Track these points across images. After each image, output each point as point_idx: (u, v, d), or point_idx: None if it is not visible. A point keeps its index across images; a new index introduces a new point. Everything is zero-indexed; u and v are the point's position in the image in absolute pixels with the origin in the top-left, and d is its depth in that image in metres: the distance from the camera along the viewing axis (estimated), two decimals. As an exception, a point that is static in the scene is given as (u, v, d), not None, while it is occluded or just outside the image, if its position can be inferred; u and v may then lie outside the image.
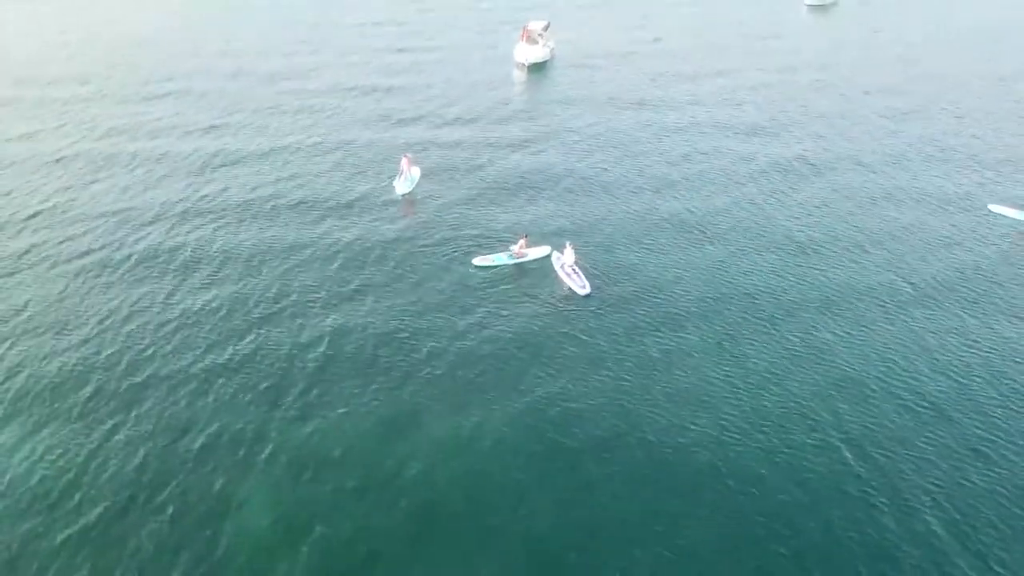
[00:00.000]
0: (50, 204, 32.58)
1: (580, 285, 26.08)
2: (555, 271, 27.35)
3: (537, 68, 53.95)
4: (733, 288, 26.35)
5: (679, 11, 73.54)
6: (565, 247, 27.51)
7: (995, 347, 23.20)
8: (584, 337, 23.64)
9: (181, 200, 33.14)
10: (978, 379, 21.86)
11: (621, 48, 59.19)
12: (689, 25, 67.65)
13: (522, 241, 28.37)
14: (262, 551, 16.22)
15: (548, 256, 28.24)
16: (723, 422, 20.10)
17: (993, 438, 19.52)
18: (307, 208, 32.45)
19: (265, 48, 58.09)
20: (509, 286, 26.70)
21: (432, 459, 18.72)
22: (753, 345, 23.35)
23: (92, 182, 34.85)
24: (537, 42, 54.77)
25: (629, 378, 21.83)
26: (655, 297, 25.81)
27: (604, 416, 20.27)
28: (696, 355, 22.77)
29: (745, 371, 22.16)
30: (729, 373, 22.07)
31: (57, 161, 37.09)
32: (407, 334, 23.74)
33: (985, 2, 77.71)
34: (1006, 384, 21.61)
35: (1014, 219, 31.39)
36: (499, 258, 28.33)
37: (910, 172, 36.32)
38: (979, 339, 23.60)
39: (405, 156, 35.88)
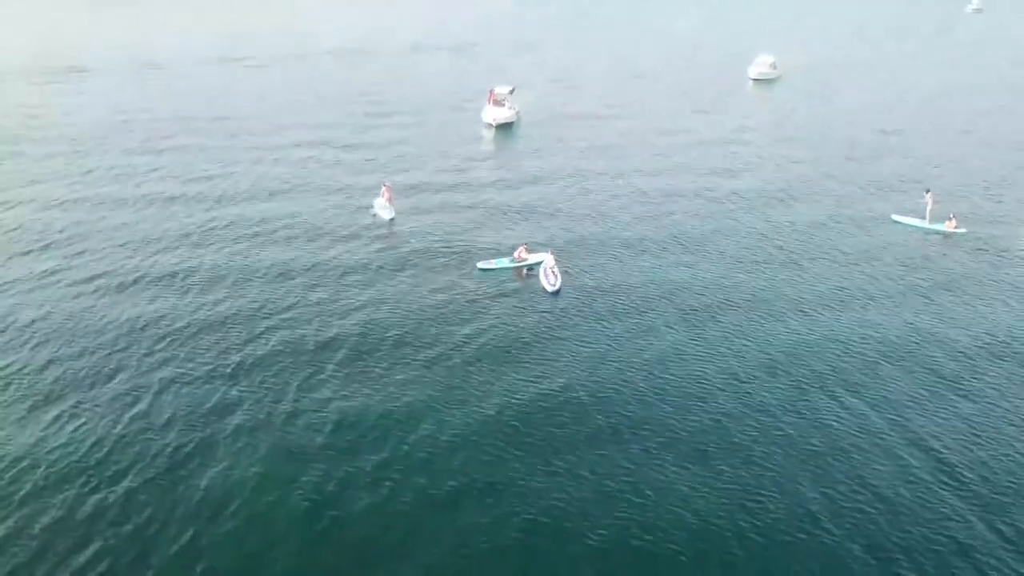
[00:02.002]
0: (65, 235, 35.40)
1: (551, 284, 29.81)
2: (537, 271, 31.15)
3: (504, 128, 59.23)
4: (672, 296, 30.05)
5: (632, 83, 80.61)
6: (547, 253, 31.55)
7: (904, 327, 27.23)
8: (544, 323, 27.37)
9: (199, 230, 36.22)
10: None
11: (579, 113, 65.11)
12: (641, 96, 74.28)
13: (521, 248, 32.28)
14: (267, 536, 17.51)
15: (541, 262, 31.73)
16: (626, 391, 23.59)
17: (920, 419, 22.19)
18: (307, 239, 35.23)
19: (253, 118, 62.76)
20: (499, 284, 30.41)
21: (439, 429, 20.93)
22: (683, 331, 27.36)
23: (102, 218, 37.99)
24: (504, 104, 60.47)
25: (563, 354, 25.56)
26: (608, 296, 29.67)
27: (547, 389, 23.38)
28: (631, 338, 26.45)
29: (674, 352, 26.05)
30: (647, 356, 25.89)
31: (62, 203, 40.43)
32: (412, 329, 26.71)
33: (908, 76, 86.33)
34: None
35: (911, 225, 36.66)
36: (501, 261, 32.17)
37: (834, 201, 41.66)
38: (889, 321, 27.63)
39: (385, 185, 39.86)
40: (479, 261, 32.11)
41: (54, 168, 47.11)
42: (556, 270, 30.54)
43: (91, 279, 30.82)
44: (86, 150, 51.51)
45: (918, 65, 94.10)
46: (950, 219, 36.09)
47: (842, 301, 28.84)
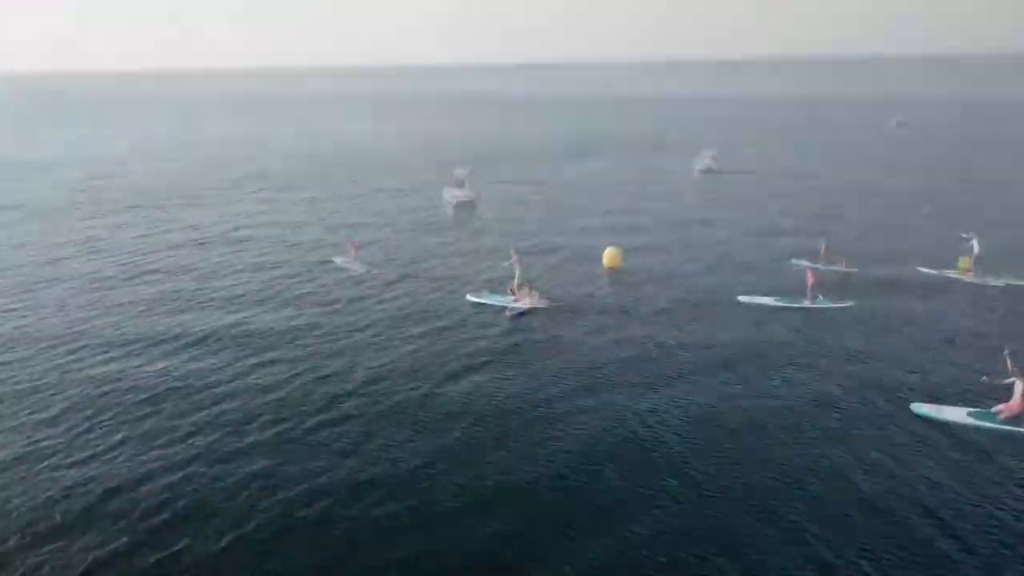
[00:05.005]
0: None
1: (516, 306, 34.15)
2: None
3: (463, 206, 65.17)
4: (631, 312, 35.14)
5: (585, 174, 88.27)
6: (534, 291, 35.71)
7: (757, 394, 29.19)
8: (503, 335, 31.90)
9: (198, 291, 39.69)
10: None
11: (536, 196, 71.81)
12: (595, 183, 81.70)
13: (515, 285, 36.01)
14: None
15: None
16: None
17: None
18: (297, 296, 38.64)
19: (241, 191, 68.44)
20: (487, 315, 34.70)
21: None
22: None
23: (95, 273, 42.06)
24: (463, 185, 66.77)
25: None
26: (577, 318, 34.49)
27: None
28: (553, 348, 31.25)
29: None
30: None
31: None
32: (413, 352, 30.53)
33: (829, 174, 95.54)
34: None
35: (756, 304, 37.31)
36: (493, 296, 35.85)
37: (744, 246, 47.62)
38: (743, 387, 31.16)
39: (351, 241, 44.50)
40: (468, 293, 36.45)
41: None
42: (530, 300, 34.61)
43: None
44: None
45: (839, 166, 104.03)
46: (840, 259, 41.92)
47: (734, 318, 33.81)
